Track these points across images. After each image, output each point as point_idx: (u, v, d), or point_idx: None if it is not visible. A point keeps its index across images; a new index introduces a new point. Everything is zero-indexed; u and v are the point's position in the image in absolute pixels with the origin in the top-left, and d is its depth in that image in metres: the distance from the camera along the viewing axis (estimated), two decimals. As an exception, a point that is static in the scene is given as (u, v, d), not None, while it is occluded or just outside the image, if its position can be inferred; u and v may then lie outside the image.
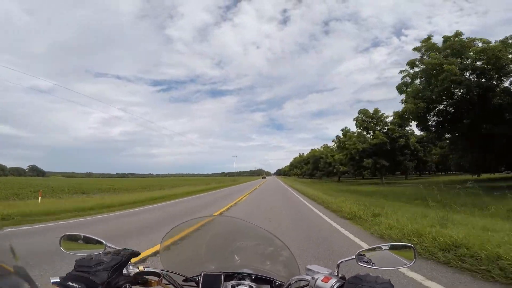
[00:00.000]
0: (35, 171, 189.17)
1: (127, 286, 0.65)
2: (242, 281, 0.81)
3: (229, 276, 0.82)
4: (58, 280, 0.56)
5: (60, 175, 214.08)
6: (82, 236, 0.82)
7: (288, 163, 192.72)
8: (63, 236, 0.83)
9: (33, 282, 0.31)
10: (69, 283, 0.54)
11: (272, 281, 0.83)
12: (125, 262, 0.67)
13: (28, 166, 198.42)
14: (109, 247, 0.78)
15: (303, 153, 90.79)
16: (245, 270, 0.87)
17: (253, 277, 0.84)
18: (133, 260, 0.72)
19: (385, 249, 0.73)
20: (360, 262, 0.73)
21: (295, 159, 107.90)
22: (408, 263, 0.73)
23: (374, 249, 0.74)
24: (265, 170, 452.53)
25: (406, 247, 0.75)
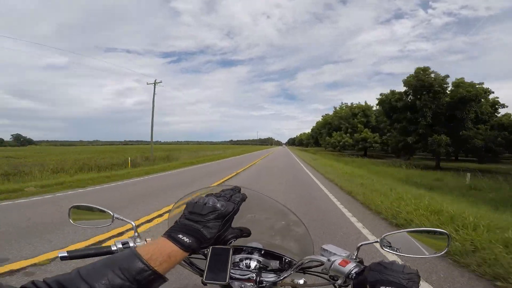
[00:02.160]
0: (19, 140, 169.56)
1: (233, 241, 0.62)
2: (250, 255, 0.79)
3: (237, 250, 0.80)
4: (168, 232, 0.53)
5: (46, 144, 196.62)
6: (89, 207, 0.80)
7: (302, 132, 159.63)
8: (71, 207, 0.80)
9: None
10: (180, 235, 0.51)
11: (282, 257, 0.80)
12: (236, 211, 0.60)
13: (12, 135, 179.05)
14: (116, 218, 0.76)
15: (346, 103, 46.04)
16: (254, 244, 0.83)
17: (262, 252, 0.81)
18: (140, 229, 0.70)
19: (411, 234, 0.66)
20: (384, 247, 0.65)
21: (325, 118, 55.43)
22: (438, 252, 0.63)
23: (400, 233, 0.66)
24: (275, 139, 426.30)
25: (438, 233, 0.64)
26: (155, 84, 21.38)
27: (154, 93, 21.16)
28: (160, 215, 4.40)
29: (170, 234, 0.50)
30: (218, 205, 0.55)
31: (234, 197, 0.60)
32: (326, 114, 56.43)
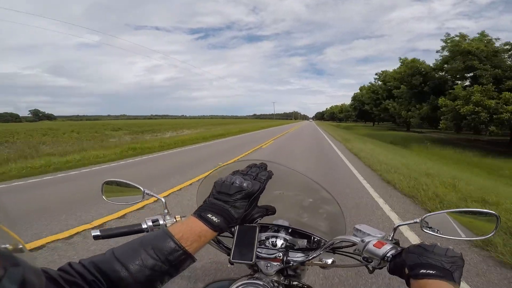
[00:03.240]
0: (37, 116, 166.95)
1: (259, 220, 0.61)
2: (276, 233, 0.76)
3: (263, 228, 0.77)
4: (198, 212, 0.54)
5: (65, 119, 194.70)
6: (121, 182, 0.78)
7: (334, 105, 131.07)
8: (104, 183, 0.79)
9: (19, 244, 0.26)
10: (209, 215, 0.51)
11: (311, 236, 0.77)
12: (262, 189, 0.57)
13: (30, 110, 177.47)
14: (147, 194, 0.75)
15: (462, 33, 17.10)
16: (281, 222, 0.80)
17: (289, 230, 0.77)
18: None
19: (455, 215, 0.59)
20: (425, 228, 0.59)
21: (412, 62, 21.58)
22: (485, 235, 0.57)
23: (441, 214, 0.60)
24: (302, 114, 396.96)
25: (485, 214, 0.57)
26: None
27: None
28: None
29: (200, 214, 0.50)
30: (244, 184, 0.54)
31: (260, 175, 0.58)
32: (403, 61, 24.34)
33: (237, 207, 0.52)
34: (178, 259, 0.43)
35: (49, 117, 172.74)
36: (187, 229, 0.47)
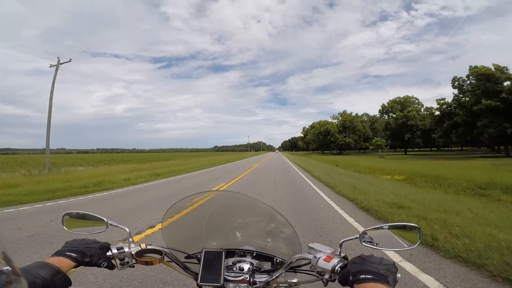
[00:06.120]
0: None
1: (106, 264, 0.69)
2: (243, 258, 0.82)
3: (230, 253, 0.82)
4: (59, 251, 0.64)
5: None
6: (83, 214, 0.81)
7: (306, 127, 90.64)
8: (65, 214, 0.81)
9: (14, 265, 0.31)
10: (67, 253, 0.63)
11: (273, 258, 0.82)
12: (106, 245, 0.71)
13: None
14: (110, 224, 0.78)
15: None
16: (247, 247, 0.86)
17: (254, 254, 0.83)
18: (136, 238, 0.87)
19: (389, 229, 0.69)
20: (364, 242, 0.69)
21: None
22: (412, 245, 0.67)
23: (377, 229, 0.69)
24: (267, 144, 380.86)
25: (410, 227, 0.68)
26: (57, 67, 14.06)
27: (54, 77, 13.90)
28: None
29: (60, 252, 0.65)
30: (92, 243, 0.69)
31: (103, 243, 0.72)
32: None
33: (87, 250, 0.67)
34: (60, 280, 0.56)
35: None
36: (57, 262, 0.60)
